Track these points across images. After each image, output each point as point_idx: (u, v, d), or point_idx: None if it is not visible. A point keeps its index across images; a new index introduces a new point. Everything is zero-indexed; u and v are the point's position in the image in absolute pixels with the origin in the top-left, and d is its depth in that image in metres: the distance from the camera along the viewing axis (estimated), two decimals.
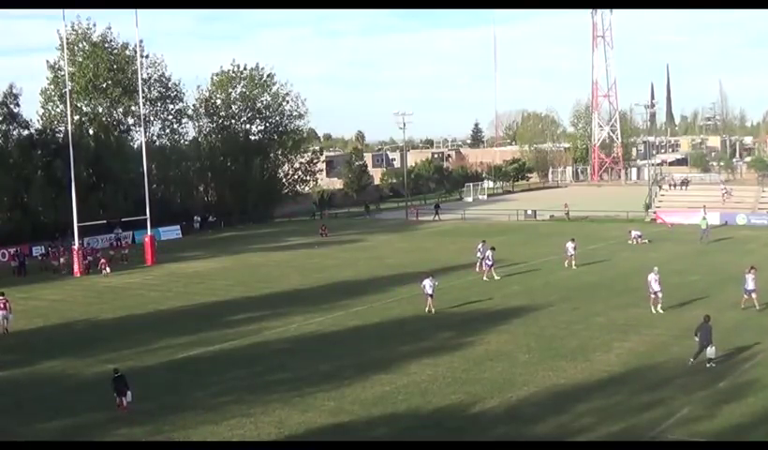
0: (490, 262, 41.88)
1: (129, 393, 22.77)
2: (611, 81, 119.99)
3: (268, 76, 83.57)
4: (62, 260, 50.98)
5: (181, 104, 78.85)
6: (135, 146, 71.61)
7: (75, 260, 49.98)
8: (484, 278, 41.53)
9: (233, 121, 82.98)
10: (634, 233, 54.23)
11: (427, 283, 33.93)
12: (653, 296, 32.54)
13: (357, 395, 23.35)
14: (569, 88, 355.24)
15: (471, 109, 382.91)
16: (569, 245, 44.52)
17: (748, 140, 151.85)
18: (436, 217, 75.07)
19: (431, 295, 33.78)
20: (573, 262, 44.09)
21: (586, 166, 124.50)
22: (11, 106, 64.50)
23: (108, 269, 49.30)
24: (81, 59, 71.18)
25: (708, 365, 24.57)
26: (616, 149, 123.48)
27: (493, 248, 42.89)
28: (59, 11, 65.66)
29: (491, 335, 29.79)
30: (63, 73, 62.04)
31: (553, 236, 59.51)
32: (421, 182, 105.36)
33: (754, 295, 32.21)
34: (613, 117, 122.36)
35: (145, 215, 54.44)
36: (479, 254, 43.93)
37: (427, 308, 33.84)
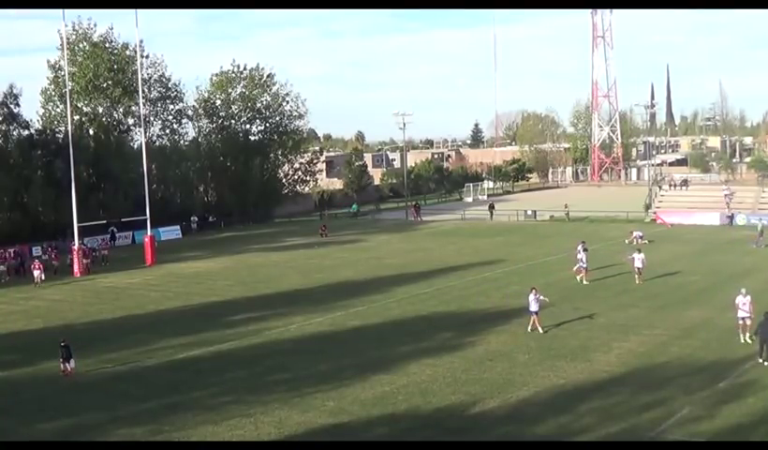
0: (584, 265, 40.21)
1: (72, 360, 26.31)
2: (611, 81, 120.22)
3: (268, 76, 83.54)
4: (55, 263, 50.77)
5: (181, 104, 78.88)
6: (135, 146, 71.62)
7: (75, 260, 50.02)
8: (583, 281, 39.58)
9: (233, 121, 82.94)
10: (635, 234, 54.16)
11: (532, 299, 30.07)
12: (740, 322, 27.71)
13: (357, 395, 23.34)
14: (569, 88, 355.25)
15: (471, 109, 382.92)
16: (636, 256, 39.83)
17: (748, 140, 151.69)
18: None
19: (536, 312, 29.95)
20: (641, 277, 39.21)
21: (586, 166, 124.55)
22: (11, 106, 64.42)
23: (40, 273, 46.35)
24: (81, 59, 71.09)
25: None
26: (616, 149, 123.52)
27: (585, 250, 41.20)
28: (59, 11, 65.75)
29: (491, 335, 29.78)
30: (63, 73, 62.00)
31: (553, 237, 59.60)
32: (421, 182, 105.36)
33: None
34: (613, 117, 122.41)
35: (145, 215, 54.50)
36: (579, 255, 40.84)
37: (530, 327, 29.94)
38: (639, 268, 39.45)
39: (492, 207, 77.24)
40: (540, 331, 29.60)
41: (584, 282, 39.77)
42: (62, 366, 26.39)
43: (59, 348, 26.52)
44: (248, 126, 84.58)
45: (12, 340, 32.68)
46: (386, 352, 28.01)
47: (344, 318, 34.01)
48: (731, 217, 63.44)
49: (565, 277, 41.40)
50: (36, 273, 46.22)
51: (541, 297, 30.47)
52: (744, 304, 27.74)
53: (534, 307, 29.96)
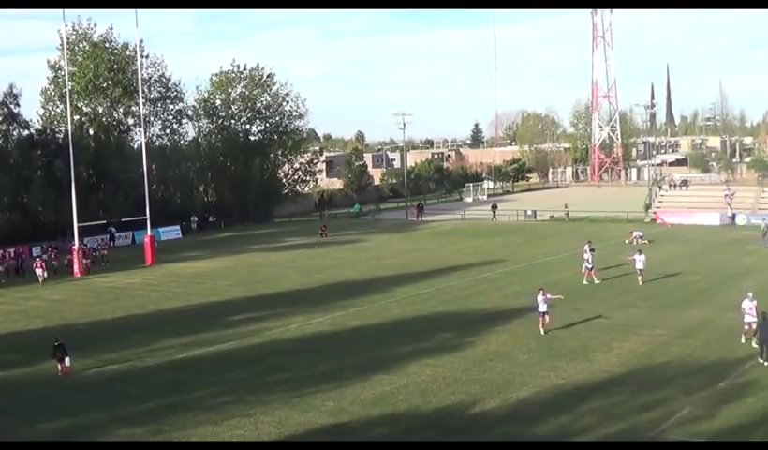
0: (590, 265, 39.88)
1: (68, 359, 26.45)
2: (611, 81, 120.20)
3: (268, 76, 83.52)
4: (55, 263, 50.64)
5: (181, 104, 78.88)
6: (135, 146, 71.64)
7: (75, 260, 50.01)
8: (585, 281, 39.43)
9: (233, 121, 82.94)
10: (635, 234, 54.13)
11: (540, 299, 29.77)
12: (746, 327, 27.20)
13: (357, 395, 23.34)
14: (569, 88, 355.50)
15: (471, 109, 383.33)
16: (638, 257, 39.41)
17: (748, 140, 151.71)
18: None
19: (545, 313, 29.73)
20: (643, 277, 38.86)
21: (586, 166, 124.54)
22: (11, 106, 64.44)
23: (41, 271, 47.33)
24: (81, 59, 71.10)
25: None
26: (616, 149, 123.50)
27: (592, 250, 40.83)
28: (59, 11, 65.80)
29: (491, 335, 29.77)
30: (63, 73, 62.01)
31: (553, 237, 59.61)
32: (421, 182, 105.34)
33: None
34: (613, 117, 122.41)
35: (145, 215, 54.50)
36: (585, 255, 40.53)
37: (541, 328, 29.67)
38: (640, 269, 39.26)
39: (494, 207, 77.01)
40: (542, 332, 29.56)
41: (586, 282, 39.70)
42: (59, 366, 26.41)
43: (53, 348, 26.60)
44: (248, 126, 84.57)
45: (12, 340, 32.67)
46: (386, 352, 28.00)
47: (344, 318, 34.01)
48: (733, 217, 63.49)
49: (565, 277, 41.37)
50: (38, 271, 46.85)
51: (549, 296, 30.34)
52: (750, 308, 27.16)
53: (543, 307, 29.76)
